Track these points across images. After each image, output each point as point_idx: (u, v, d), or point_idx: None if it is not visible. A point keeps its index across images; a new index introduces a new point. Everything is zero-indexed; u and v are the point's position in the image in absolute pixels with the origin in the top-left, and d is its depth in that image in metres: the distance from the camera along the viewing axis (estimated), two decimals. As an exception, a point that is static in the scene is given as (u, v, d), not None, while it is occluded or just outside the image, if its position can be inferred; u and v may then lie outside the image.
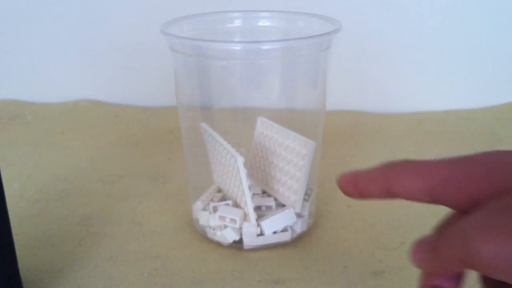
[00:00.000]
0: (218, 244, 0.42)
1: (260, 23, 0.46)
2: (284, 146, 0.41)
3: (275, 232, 0.41)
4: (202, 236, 0.43)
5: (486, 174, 0.22)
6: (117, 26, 0.72)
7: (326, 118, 0.45)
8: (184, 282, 0.38)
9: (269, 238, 0.40)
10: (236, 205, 0.41)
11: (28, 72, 0.75)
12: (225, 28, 0.46)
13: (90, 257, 0.41)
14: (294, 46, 0.38)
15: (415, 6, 0.67)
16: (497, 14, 0.68)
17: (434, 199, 0.23)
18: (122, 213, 0.47)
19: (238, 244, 0.41)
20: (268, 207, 0.42)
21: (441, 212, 0.48)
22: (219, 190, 0.45)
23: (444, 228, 0.23)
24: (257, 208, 0.41)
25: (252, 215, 0.39)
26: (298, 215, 0.41)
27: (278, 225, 0.40)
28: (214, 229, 0.41)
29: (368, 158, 0.56)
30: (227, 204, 0.42)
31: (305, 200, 0.42)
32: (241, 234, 0.40)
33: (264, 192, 0.44)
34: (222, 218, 0.40)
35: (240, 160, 0.37)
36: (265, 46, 0.37)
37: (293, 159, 0.40)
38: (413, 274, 0.38)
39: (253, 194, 0.41)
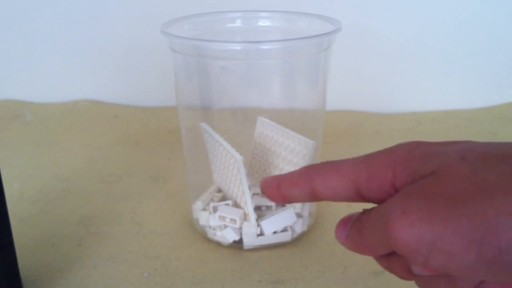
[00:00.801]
0: (218, 244, 0.42)
1: (260, 23, 0.46)
2: (284, 146, 0.41)
3: (275, 232, 0.41)
4: (202, 236, 0.43)
5: (404, 163, 0.22)
6: (117, 26, 0.72)
7: (326, 118, 0.45)
8: (184, 282, 0.38)
9: (269, 238, 0.40)
10: (236, 205, 0.41)
11: (28, 72, 0.75)
12: (225, 28, 0.46)
13: (90, 257, 0.41)
14: (294, 46, 0.38)
15: (415, 6, 0.67)
16: (497, 14, 0.68)
17: (359, 194, 0.23)
18: (122, 213, 0.47)
19: (238, 244, 0.41)
20: (268, 207, 0.42)
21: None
22: (219, 190, 0.45)
23: (369, 211, 0.23)
24: (257, 208, 0.41)
25: (252, 215, 0.39)
26: (298, 215, 0.41)
27: (278, 225, 0.40)
28: (214, 229, 0.41)
29: (368, 158, 0.56)
30: (227, 204, 0.42)
31: (305, 200, 0.42)
32: (241, 234, 0.40)
33: (264, 192, 0.44)
34: (222, 218, 0.40)
35: (240, 160, 0.37)
36: (265, 46, 0.37)
37: (293, 159, 0.40)
38: (413, 274, 0.38)
39: (253, 194, 0.41)
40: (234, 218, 0.40)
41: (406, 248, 0.19)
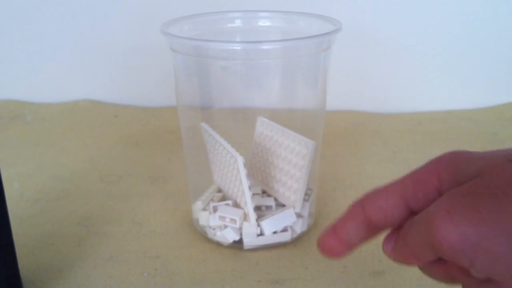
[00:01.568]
0: (218, 244, 0.42)
1: (260, 23, 0.46)
2: (284, 146, 0.41)
3: (275, 232, 0.41)
4: (202, 236, 0.43)
5: (449, 167, 0.22)
6: (117, 26, 0.72)
7: (326, 118, 0.45)
8: (184, 282, 0.38)
9: (269, 238, 0.40)
10: (236, 205, 0.41)
11: (28, 72, 0.75)
12: (225, 28, 0.46)
13: (90, 257, 0.41)
14: (294, 46, 0.38)
15: (415, 6, 0.67)
16: (497, 14, 0.68)
17: (409, 209, 0.23)
18: (122, 213, 0.47)
19: (238, 244, 0.41)
20: (268, 207, 0.42)
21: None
22: (219, 190, 0.45)
23: (413, 217, 0.23)
24: (257, 208, 0.41)
25: (252, 215, 0.39)
26: (298, 215, 0.41)
27: (278, 225, 0.40)
28: (214, 229, 0.41)
29: (368, 158, 0.56)
30: (227, 204, 0.42)
31: (305, 200, 0.42)
32: (241, 234, 0.40)
33: (264, 192, 0.44)
34: (222, 218, 0.40)
35: (240, 160, 0.37)
36: (265, 46, 0.37)
37: (293, 159, 0.40)
38: (413, 274, 0.38)
39: (253, 194, 0.41)
40: (234, 218, 0.40)
41: (450, 250, 0.19)
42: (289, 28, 0.45)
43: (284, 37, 0.45)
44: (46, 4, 0.71)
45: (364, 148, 0.59)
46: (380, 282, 0.37)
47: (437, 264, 0.23)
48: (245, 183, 0.38)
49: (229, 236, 0.40)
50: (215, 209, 0.41)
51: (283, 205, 0.42)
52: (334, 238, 0.25)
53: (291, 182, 0.41)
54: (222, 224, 0.40)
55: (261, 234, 0.40)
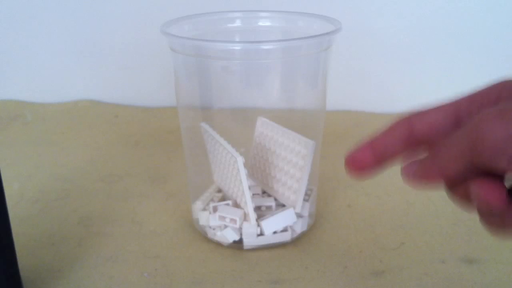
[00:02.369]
0: (218, 244, 0.42)
1: (260, 23, 0.46)
2: (284, 146, 0.41)
3: (275, 232, 0.41)
4: (202, 236, 0.43)
5: (501, 88, 0.22)
6: (117, 26, 0.72)
7: (326, 118, 0.45)
8: (184, 282, 0.38)
9: (269, 238, 0.40)
10: (236, 205, 0.41)
11: (28, 72, 0.75)
12: (225, 28, 0.46)
13: (90, 257, 0.41)
14: (294, 46, 0.38)
15: (415, 6, 0.67)
16: (497, 14, 0.68)
17: (459, 119, 0.23)
18: (122, 213, 0.47)
19: (238, 244, 0.41)
20: (268, 207, 0.42)
21: (441, 213, 0.48)
22: (219, 190, 0.45)
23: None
24: (257, 208, 0.41)
25: (252, 215, 0.39)
26: (298, 215, 0.41)
27: (278, 225, 0.40)
28: (214, 229, 0.41)
29: (368, 158, 0.56)
30: (227, 204, 0.42)
31: (305, 200, 0.42)
32: (241, 234, 0.40)
33: (264, 192, 0.44)
34: (222, 218, 0.40)
35: (240, 160, 0.37)
36: (265, 46, 0.37)
37: (293, 159, 0.40)
38: (413, 274, 0.38)
39: (253, 194, 0.41)
40: (234, 218, 0.40)
41: (493, 148, 0.19)
42: (289, 28, 0.45)
43: (284, 37, 0.45)
44: (46, 4, 0.71)
45: (364, 148, 0.59)
46: (380, 282, 0.37)
47: (458, 184, 0.23)
48: (245, 183, 0.38)
49: (229, 236, 0.40)
50: (215, 209, 0.41)
51: (283, 205, 0.42)
52: (368, 149, 0.25)
53: (291, 182, 0.41)
54: (222, 224, 0.40)
55: (261, 234, 0.40)
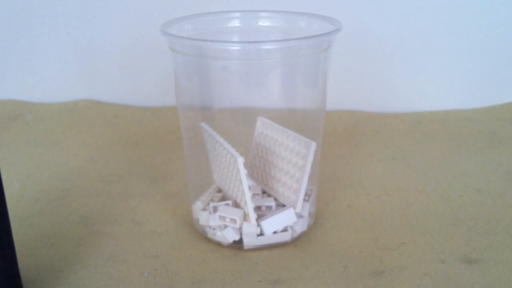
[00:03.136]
0: (218, 244, 0.42)
1: (260, 23, 0.46)
2: (284, 146, 0.41)
3: (275, 232, 0.41)
4: (202, 236, 0.43)
5: None
6: (116, 26, 0.72)
7: (326, 118, 0.45)
8: (184, 282, 0.38)
9: (269, 238, 0.40)
10: (236, 205, 0.41)
11: (28, 72, 0.75)
12: (225, 28, 0.46)
13: (90, 257, 0.41)
14: (294, 46, 0.38)
15: (415, 6, 0.67)
16: (497, 14, 0.68)
17: None
18: (122, 213, 0.47)
19: (238, 244, 0.41)
20: (268, 207, 0.42)
21: (441, 213, 0.48)
22: (219, 190, 0.45)
23: None
24: (257, 208, 0.41)
25: (252, 215, 0.39)
26: (298, 215, 0.41)
27: (278, 225, 0.40)
28: (214, 229, 0.41)
29: (368, 158, 0.56)
30: (227, 204, 0.42)
31: (305, 200, 0.42)
32: (241, 234, 0.40)
33: (264, 192, 0.44)
34: (222, 218, 0.40)
35: (240, 160, 0.37)
36: (265, 46, 0.37)
37: (293, 159, 0.40)
38: (413, 274, 0.38)
39: (253, 194, 0.41)
40: (234, 218, 0.40)
41: None
42: (289, 28, 0.45)
43: (284, 37, 0.45)
44: (46, 4, 0.71)
45: (364, 148, 0.59)
46: (380, 282, 0.37)
47: None
48: (245, 183, 0.38)
49: (229, 236, 0.40)
50: (215, 209, 0.41)
51: (283, 205, 0.42)
52: None
53: (291, 182, 0.41)
54: (222, 224, 0.41)
55: (261, 234, 0.40)
